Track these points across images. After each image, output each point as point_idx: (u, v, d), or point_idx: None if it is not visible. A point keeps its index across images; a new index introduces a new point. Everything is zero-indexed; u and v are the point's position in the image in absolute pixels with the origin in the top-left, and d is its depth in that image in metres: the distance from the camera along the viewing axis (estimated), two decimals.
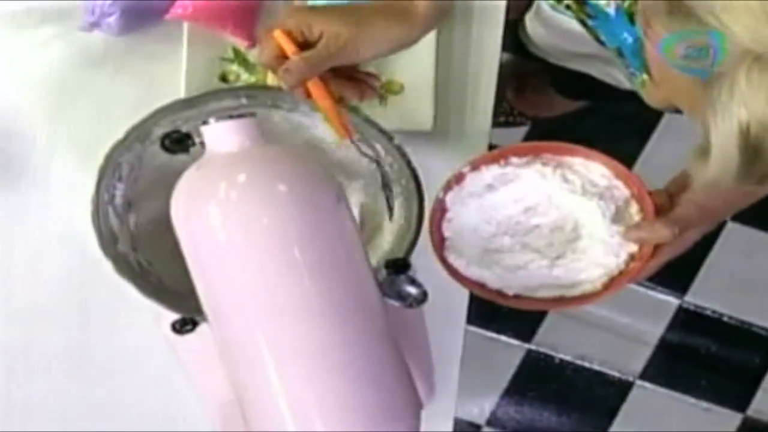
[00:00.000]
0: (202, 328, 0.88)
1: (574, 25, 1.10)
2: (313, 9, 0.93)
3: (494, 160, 0.94)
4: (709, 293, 2.11)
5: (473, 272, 0.94)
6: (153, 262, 1.03)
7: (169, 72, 1.17)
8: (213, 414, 0.95)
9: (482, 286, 0.95)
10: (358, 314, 0.81)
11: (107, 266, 0.99)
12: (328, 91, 0.92)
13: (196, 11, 1.14)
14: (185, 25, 1.16)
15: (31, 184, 1.19)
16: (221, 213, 0.80)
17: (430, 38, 1.15)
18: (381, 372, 0.80)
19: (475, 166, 0.94)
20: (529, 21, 1.28)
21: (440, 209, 0.96)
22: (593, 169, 0.93)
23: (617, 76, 1.26)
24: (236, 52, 1.19)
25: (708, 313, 2.11)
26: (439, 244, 0.95)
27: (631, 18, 0.92)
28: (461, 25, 1.19)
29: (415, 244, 1.00)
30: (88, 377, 1.20)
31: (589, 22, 1.03)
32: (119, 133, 1.02)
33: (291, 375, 0.78)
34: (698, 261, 2.10)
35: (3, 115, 1.18)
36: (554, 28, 1.19)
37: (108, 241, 0.99)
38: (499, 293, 0.94)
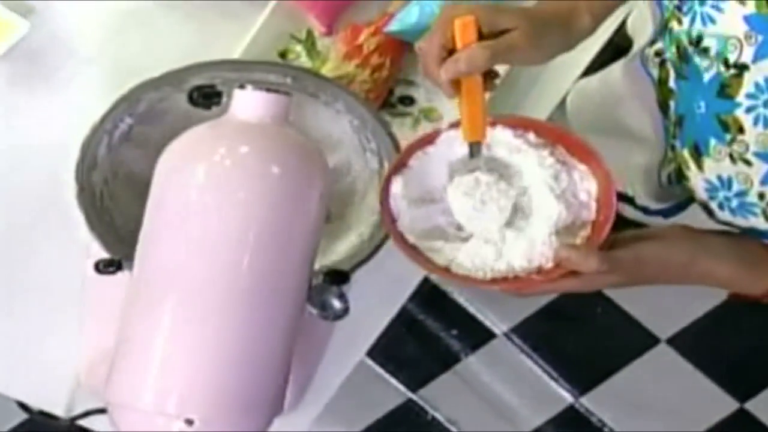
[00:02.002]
0: (117, 277, 0.89)
1: (643, 88, 1.07)
2: (498, 6, 0.92)
3: (514, 126, 0.91)
4: (605, 403, 2.08)
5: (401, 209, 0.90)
6: (116, 200, 1.01)
7: (237, 32, 1.16)
8: (83, 357, 1.01)
9: (393, 221, 0.90)
10: (274, 309, 0.81)
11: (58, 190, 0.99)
12: (482, 88, 0.90)
13: None
14: None
15: (51, 92, 1.17)
16: (206, 175, 0.81)
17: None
18: (262, 369, 0.80)
19: (493, 123, 0.90)
20: (582, 83, 1.25)
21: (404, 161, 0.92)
22: (587, 182, 0.91)
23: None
24: (309, 34, 1.17)
25: (594, 420, 2.08)
26: (397, 166, 0.91)
27: (722, 88, 0.90)
28: (527, 78, 1.20)
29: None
30: None
31: (673, 84, 1.01)
32: (158, 71, 1.00)
33: (179, 337, 0.78)
34: (612, 369, 2.08)
35: (67, 23, 1.18)
36: (612, 89, 1.17)
37: (86, 167, 0.98)
38: (402, 237, 0.90)
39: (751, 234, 0.95)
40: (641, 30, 1.11)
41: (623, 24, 1.19)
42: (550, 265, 0.88)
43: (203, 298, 0.78)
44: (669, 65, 1.00)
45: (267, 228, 0.79)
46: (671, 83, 1.01)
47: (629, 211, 1.27)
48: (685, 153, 0.97)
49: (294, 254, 0.82)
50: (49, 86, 1.17)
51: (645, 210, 1.23)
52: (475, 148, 0.89)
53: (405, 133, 1.11)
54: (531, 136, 0.91)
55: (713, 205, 0.96)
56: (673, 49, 0.97)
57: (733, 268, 0.92)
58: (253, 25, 1.15)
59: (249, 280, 0.79)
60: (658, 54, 1.03)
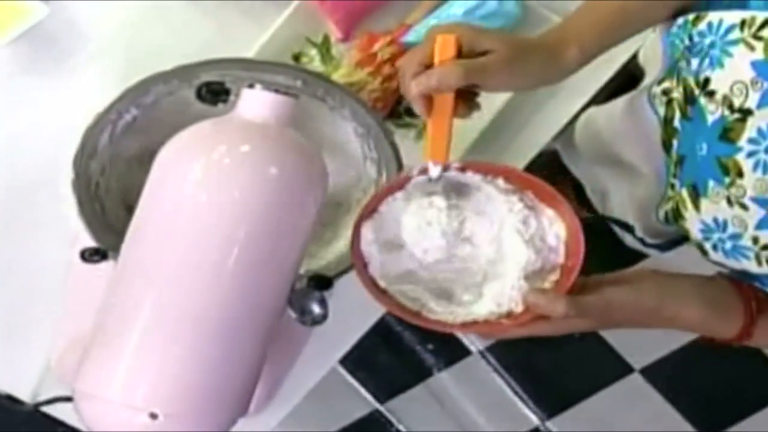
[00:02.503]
0: (101, 267, 0.90)
1: (648, 125, 1.07)
2: (476, 27, 0.93)
3: (485, 171, 0.91)
4: (570, 428, 2.09)
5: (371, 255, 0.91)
6: (110, 191, 1.01)
7: (255, 32, 1.16)
8: (57, 344, 1.01)
9: (365, 266, 0.90)
10: (252, 312, 0.80)
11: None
12: (452, 109, 0.90)
13: None
14: None
15: (62, 78, 1.17)
16: (204, 170, 0.80)
17: (499, 101, 1.14)
18: (233, 370, 0.80)
19: (463, 168, 0.90)
20: (591, 113, 1.24)
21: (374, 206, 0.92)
22: (556, 227, 0.91)
23: (610, 203, 1.26)
24: (325, 38, 1.17)
25: None
26: (369, 212, 0.91)
27: (724, 131, 0.90)
28: (533, 103, 1.19)
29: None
30: None
31: (677, 123, 1.00)
32: (170, 64, 1.00)
33: (154, 331, 0.78)
34: (583, 395, 2.08)
35: (86, 11, 1.18)
36: (618, 122, 1.16)
37: (85, 155, 0.97)
38: (374, 282, 0.90)
39: (742, 277, 0.95)
40: (653, 63, 1.11)
41: (636, 54, 1.18)
42: (519, 309, 0.89)
43: (183, 294, 0.78)
44: (675, 104, 1.00)
45: (257, 229, 0.79)
46: (676, 122, 1.00)
47: (629, 240, 1.27)
48: (684, 193, 0.97)
49: (280, 257, 0.82)
50: (61, 72, 1.17)
51: (642, 241, 1.22)
52: (434, 170, 0.89)
53: (408, 144, 1.11)
54: (500, 181, 0.91)
55: (707, 246, 0.96)
56: (681, 90, 0.98)
57: (701, 312, 0.92)
58: (271, 25, 1.15)
59: (232, 279, 0.78)
60: (665, 92, 1.03)
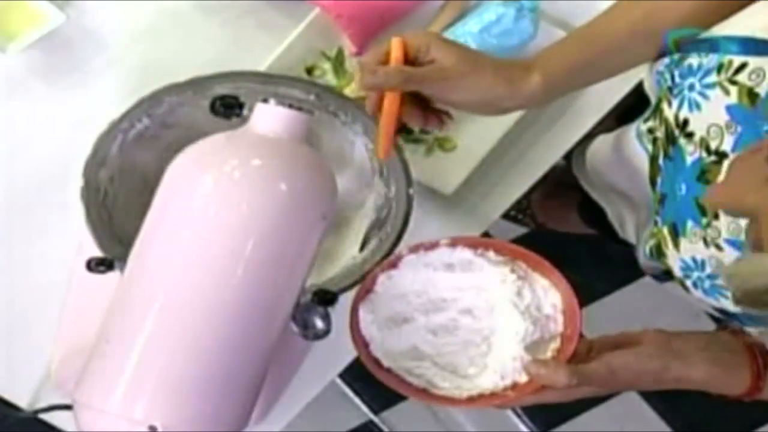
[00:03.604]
0: (105, 277, 0.90)
1: (639, 160, 1.07)
2: (440, 37, 0.95)
3: (474, 246, 0.93)
4: None
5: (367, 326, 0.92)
6: (118, 200, 1.02)
7: (270, 44, 1.16)
8: (57, 352, 1.03)
9: (366, 346, 0.92)
10: (256, 327, 0.80)
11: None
12: (399, 110, 0.93)
13: (338, 4, 1.14)
14: (314, 11, 1.16)
15: (76, 85, 1.18)
16: (213, 184, 0.80)
17: (510, 119, 1.14)
18: (234, 385, 0.80)
19: (453, 243, 0.93)
20: (599, 140, 1.25)
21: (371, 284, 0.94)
22: (551, 296, 0.92)
23: (627, 227, 1.26)
24: (339, 52, 1.17)
25: None
26: (365, 292, 0.93)
27: (702, 173, 0.92)
28: (544, 121, 1.20)
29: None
30: None
31: (661, 162, 1.01)
32: (185, 75, 1.01)
33: (157, 343, 0.78)
34: (577, 411, 2.06)
35: (103, 19, 1.19)
36: (617, 154, 1.16)
37: (96, 162, 0.98)
38: (376, 361, 0.92)
39: (722, 315, 0.96)
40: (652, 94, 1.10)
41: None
42: (523, 379, 0.89)
43: (188, 308, 0.78)
44: (659, 144, 1.01)
45: (263, 244, 0.79)
46: (660, 161, 1.01)
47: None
48: (665, 230, 0.98)
49: (286, 274, 0.82)
50: (75, 79, 1.17)
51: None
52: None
53: (417, 159, 1.12)
54: (491, 254, 0.92)
55: (688, 283, 0.97)
56: (663, 129, 0.98)
57: (708, 371, 0.91)
58: (286, 38, 1.15)
59: (236, 294, 0.78)
60: (650, 131, 1.03)
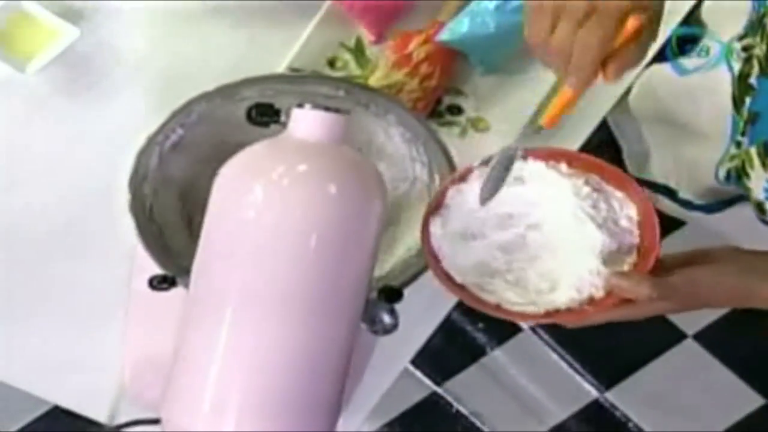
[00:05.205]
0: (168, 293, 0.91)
1: (719, 81, 1.05)
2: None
3: (546, 157, 0.91)
4: (630, 398, 2.06)
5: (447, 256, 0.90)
6: (163, 210, 1.02)
7: (286, 40, 1.16)
8: (127, 366, 1.05)
9: (438, 261, 0.91)
10: (330, 327, 0.81)
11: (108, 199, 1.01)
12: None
13: None
14: (326, 4, 1.16)
15: (101, 98, 1.17)
16: (264, 193, 0.81)
17: (540, 94, 1.07)
18: (317, 389, 0.80)
19: (524, 155, 0.90)
20: (654, 69, 1.21)
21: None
22: (626, 208, 0.90)
23: (650, 164, 1.22)
24: (358, 42, 1.17)
25: (618, 414, 2.06)
26: (436, 206, 0.92)
27: None
28: None
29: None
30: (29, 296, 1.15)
31: (754, 80, 0.99)
32: (206, 78, 1.00)
33: (234, 357, 0.79)
34: (639, 364, 2.06)
35: (116, 30, 1.18)
36: (676, 83, 1.15)
37: (138, 179, 0.98)
38: (448, 276, 0.90)
39: None
40: (723, 16, 1.10)
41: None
42: (600, 294, 0.88)
43: (260, 318, 0.79)
44: (755, 61, 0.99)
45: (325, 247, 0.79)
46: (752, 79, 0.99)
47: (666, 206, 1.26)
48: (752, 151, 0.96)
49: (352, 273, 0.82)
50: (99, 92, 1.17)
51: (688, 204, 1.21)
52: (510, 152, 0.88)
53: (452, 142, 1.10)
54: (563, 166, 0.91)
55: None
56: (764, 47, 0.96)
57: None
58: (302, 32, 1.15)
59: (306, 298, 0.79)
60: (745, 48, 1.01)
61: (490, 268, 0.90)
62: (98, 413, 1.10)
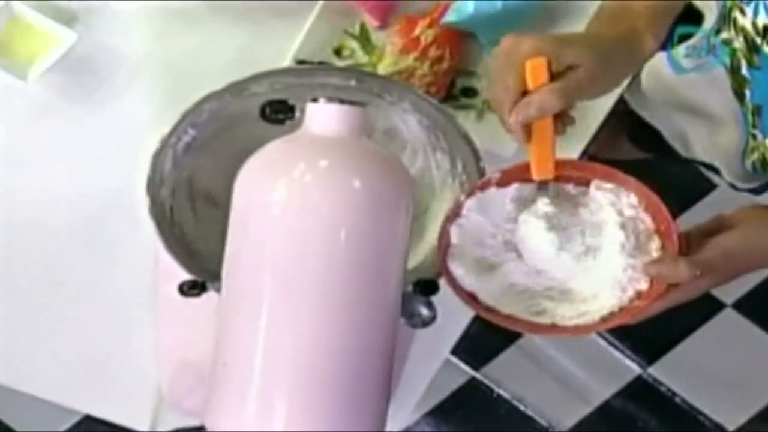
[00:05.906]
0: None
1: (716, 73, 1.04)
2: (560, 38, 0.87)
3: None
4: (674, 372, 2.06)
5: (470, 282, 0.89)
6: (182, 212, 1.00)
7: (288, 31, 1.13)
8: (163, 372, 1.04)
9: (475, 299, 0.89)
10: (370, 320, 0.79)
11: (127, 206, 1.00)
12: (554, 128, 0.86)
13: None
14: None
15: (106, 100, 1.15)
16: (287, 191, 0.79)
17: None
18: (364, 383, 0.79)
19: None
20: (659, 57, 1.20)
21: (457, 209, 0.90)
22: (623, 197, 0.89)
23: (693, 145, 1.21)
24: (362, 28, 1.15)
25: (663, 389, 2.06)
26: (445, 248, 0.90)
27: None
28: None
29: None
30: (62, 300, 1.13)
31: (745, 72, 0.97)
32: (210, 73, 0.99)
33: (275, 358, 0.77)
34: (679, 337, 2.05)
35: (114, 30, 1.16)
36: (686, 72, 1.13)
37: (155, 182, 0.96)
38: (491, 310, 0.88)
39: None
40: (708, 7, 1.08)
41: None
42: (644, 286, 0.87)
43: (297, 317, 0.77)
44: (739, 54, 0.97)
45: (355, 241, 0.78)
46: (744, 71, 0.98)
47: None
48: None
49: (385, 265, 0.80)
50: (103, 94, 1.15)
51: (733, 186, 1.20)
52: (542, 186, 0.87)
53: (470, 125, 1.06)
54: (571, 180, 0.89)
55: None
56: (741, 40, 0.95)
57: None
58: (304, 22, 1.13)
59: (342, 292, 0.78)
60: (726, 42, 1.00)
61: (527, 289, 0.88)
62: (141, 423, 1.08)
